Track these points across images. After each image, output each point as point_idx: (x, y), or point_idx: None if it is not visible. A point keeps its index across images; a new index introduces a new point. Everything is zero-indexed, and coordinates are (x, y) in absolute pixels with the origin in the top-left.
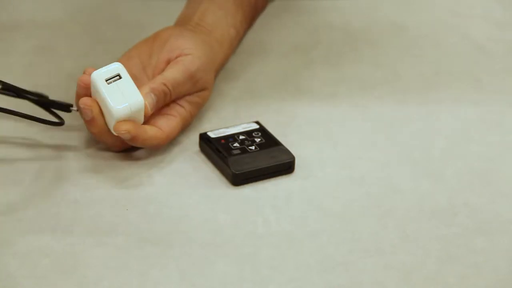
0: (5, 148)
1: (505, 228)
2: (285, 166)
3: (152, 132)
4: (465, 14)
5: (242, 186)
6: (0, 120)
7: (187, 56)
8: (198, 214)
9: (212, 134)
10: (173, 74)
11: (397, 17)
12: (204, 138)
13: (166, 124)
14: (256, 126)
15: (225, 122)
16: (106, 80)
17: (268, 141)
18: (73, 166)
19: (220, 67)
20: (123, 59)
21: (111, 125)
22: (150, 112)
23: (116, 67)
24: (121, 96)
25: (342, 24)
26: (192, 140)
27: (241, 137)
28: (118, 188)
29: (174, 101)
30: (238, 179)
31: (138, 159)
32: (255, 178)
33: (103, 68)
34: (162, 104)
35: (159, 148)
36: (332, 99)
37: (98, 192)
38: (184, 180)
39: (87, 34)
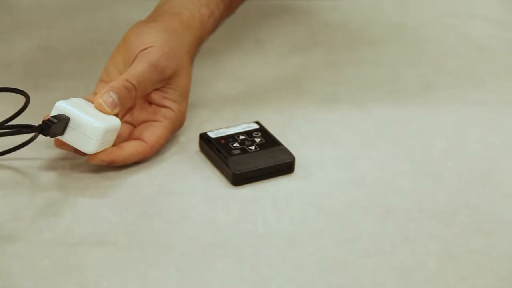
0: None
1: (505, 228)
2: (285, 166)
3: (131, 149)
4: (465, 14)
5: (242, 186)
6: None
7: (148, 48)
8: (198, 214)
9: (212, 134)
10: (135, 68)
11: (397, 17)
12: (204, 138)
13: (151, 133)
14: (256, 126)
15: (225, 122)
16: (63, 131)
17: (268, 141)
18: (73, 166)
19: (194, 48)
20: (104, 75)
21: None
22: (112, 111)
23: (58, 109)
24: (82, 136)
25: (342, 24)
26: (192, 140)
27: (241, 137)
28: (118, 188)
29: (157, 104)
30: (238, 179)
31: None
32: (255, 178)
33: (52, 117)
34: (130, 100)
35: (147, 159)
36: (332, 99)
37: (98, 192)
38: (184, 180)
39: (87, 34)
